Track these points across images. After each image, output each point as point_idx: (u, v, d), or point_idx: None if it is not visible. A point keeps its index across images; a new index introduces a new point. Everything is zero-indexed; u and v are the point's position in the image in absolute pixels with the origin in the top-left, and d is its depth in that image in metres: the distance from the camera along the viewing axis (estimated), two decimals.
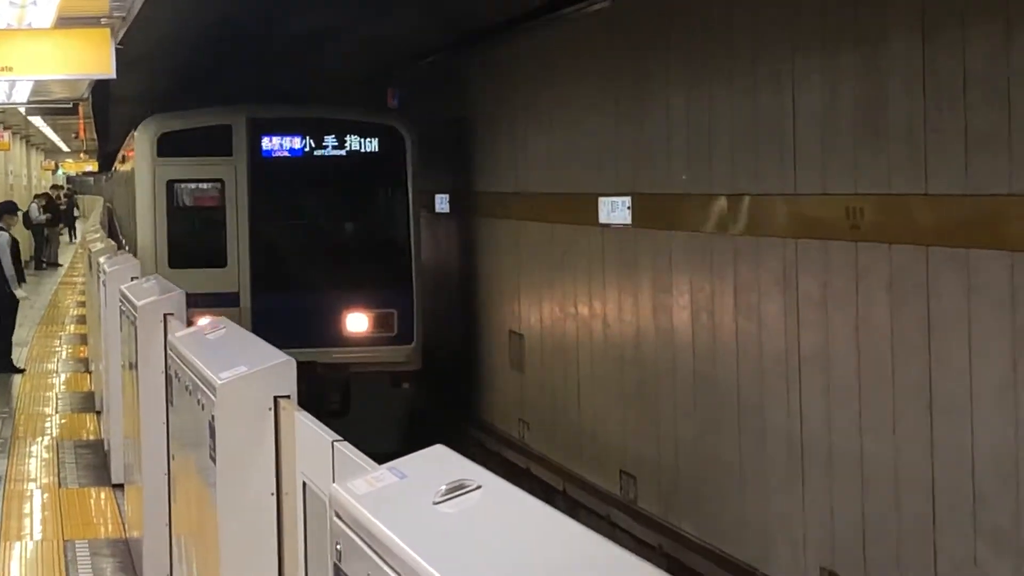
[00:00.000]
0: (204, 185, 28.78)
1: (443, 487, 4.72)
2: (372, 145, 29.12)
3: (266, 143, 28.18)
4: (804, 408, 16.45)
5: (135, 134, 28.72)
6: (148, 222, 27.37)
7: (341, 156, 29.27)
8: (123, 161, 44.28)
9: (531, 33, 23.86)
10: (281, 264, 28.39)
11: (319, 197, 31.45)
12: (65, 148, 63.45)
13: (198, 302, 24.58)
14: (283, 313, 26.85)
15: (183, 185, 29.02)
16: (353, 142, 29.16)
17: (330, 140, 29.00)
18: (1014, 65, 12.69)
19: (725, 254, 18.91)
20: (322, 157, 28.61)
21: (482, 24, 26.09)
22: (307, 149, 28.10)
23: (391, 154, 29.05)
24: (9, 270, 33.22)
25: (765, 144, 17.97)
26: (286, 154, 28.33)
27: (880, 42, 14.93)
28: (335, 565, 5.18)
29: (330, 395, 32.61)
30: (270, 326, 24.23)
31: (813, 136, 16.69)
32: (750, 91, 18.38)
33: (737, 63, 18.85)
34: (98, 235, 41.10)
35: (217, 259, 27.24)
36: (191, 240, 29.41)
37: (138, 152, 27.87)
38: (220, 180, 27.65)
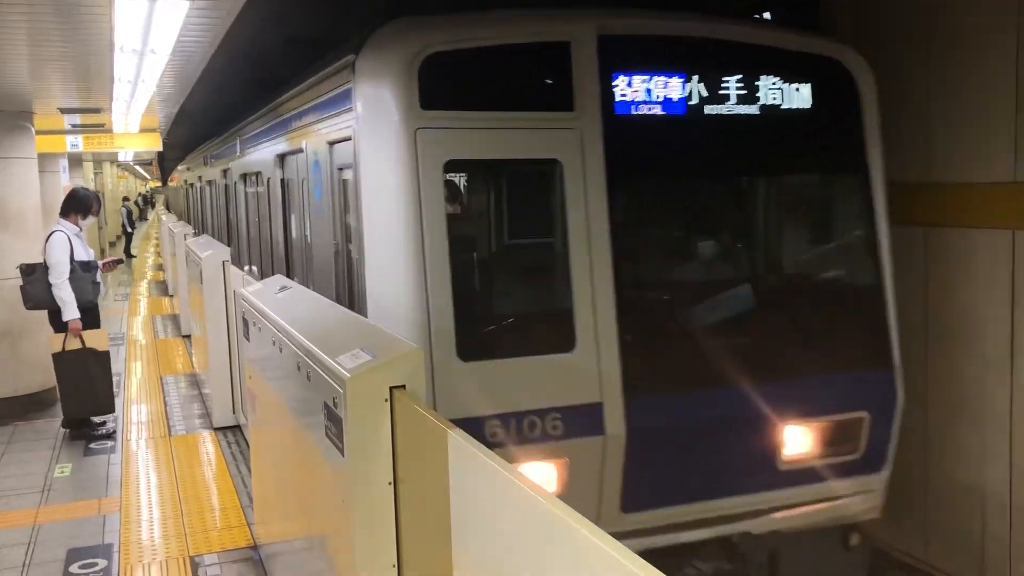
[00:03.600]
0: (521, 173, 3.68)
1: (278, 288, 4.67)
2: (801, 96, 3.71)
3: (620, 88, 3.59)
4: None
5: (357, 64, 3.56)
6: (398, 255, 3.41)
7: (752, 115, 3.76)
8: (212, 159, 12.00)
9: None
10: (674, 341, 3.58)
11: (723, 200, 4.04)
12: (148, 177, 58.24)
13: (520, 429, 3.62)
14: (679, 439, 3.58)
15: (475, 175, 3.80)
16: (769, 89, 3.72)
17: (733, 84, 3.73)
18: None
19: None
20: (718, 117, 3.68)
21: None
22: (693, 101, 3.66)
23: (838, 114, 3.87)
24: (127, 220, 27.86)
25: None
26: (657, 110, 3.64)
27: None
28: (243, 318, 5.06)
29: None
30: (658, 464, 3.83)
31: None
32: None
33: None
34: (161, 209, 38.48)
35: (555, 336, 3.47)
36: (498, 296, 3.78)
37: (363, 103, 3.64)
38: (552, 162, 3.57)
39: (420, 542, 2.66)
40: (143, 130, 12.93)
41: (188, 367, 10.36)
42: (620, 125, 3.85)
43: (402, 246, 3.65)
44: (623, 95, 3.92)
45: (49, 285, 7.19)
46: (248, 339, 4.80)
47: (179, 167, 24.80)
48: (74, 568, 5.01)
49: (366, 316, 3.94)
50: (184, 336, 12.30)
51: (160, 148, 14.92)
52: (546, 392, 3.70)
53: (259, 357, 4.45)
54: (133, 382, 9.66)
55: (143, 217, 52.69)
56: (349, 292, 4.47)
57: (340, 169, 4.49)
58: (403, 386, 2.74)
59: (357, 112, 3.98)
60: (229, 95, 12.03)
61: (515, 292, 4.14)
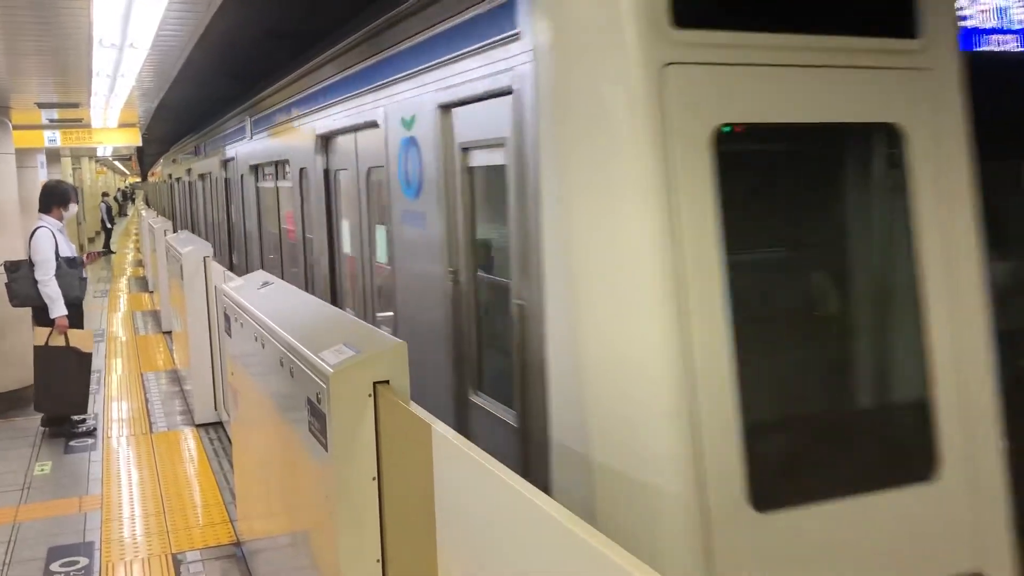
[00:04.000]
0: (828, 150, 1.59)
1: (260, 283, 4.65)
2: None
3: (961, 5, 1.58)
4: None
5: None
6: (628, 305, 1.47)
7: None
8: (207, 149, 10.09)
9: None
10: None
11: None
12: (127, 172, 57.47)
13: None
14: None
15: (757, 152, 1.53)
16: None
17: None
18: None
19: None
20: None
21: None
22: None
23: None
24: (106, 216, 27.29)
25: None
26: (1012, 43, 1.71)
27: None
28: (224, 314, 5.05)
29: None
30: None
31: None
32: None
33: None
34: (141, 205, 38.01)
35: (902, 452, 1.66)
36: (810, 379, 1.72)
37: (552, 23, 1.71)
38: (885, 129, 1.62)
39: (404, 537, 2.66)
40: (122, 125, 12.85)
41: (169, 363, 10.29)
42: (966, 66, 2.24)
43: (637, 287, 1.99)
44: (961, 18, 2.29)
45: (35, 282, 7.13)
46: (230, 335, 4.78)
47: (162, 160, 23.18)
48: (55, 566, 4.98)
49: (542, 414, 2.28)
50: (165, 332, 12.21)
51: (140, 143, 14.85)
52: (894, 557, 2.12)
53: (241, 353, 4.43)
54: (113, 379, 9.59)
55: (123, 213, 52.27)
56: (478, 356, 2.88)
57: (466, 150, 2.96)
58: (387, 381, 2.74)
59: (534, 41, 2.31)
60: (210, 89, 11.95)
61: (832, 368, 2.33)
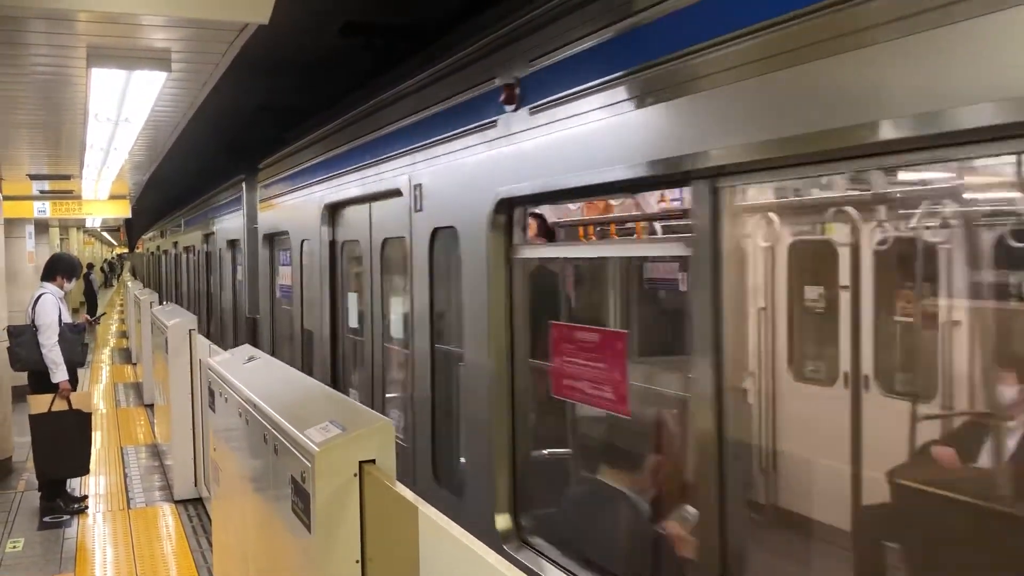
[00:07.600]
0: None
1: (246, 358, 4.61)
2: None
3: None
4: None
5: None
6: None
7: None
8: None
9: None
10: None
11: None
12: (115, 243, 57.34)
13: None
14: None
15: None
16: None
17: None
18: None
19: None
20: None
21: None
22: None
23: None
24: (91, 288, 26.97)
25: None
26: None
27: None
28: (209, 388, 4.99)
29: None
30: None
31: None
32: None
33: None
34: (128, 275, 37.75)
35: None
36: None
37: None
38: None
39: None
40: (112, 197, 12.90)
41: (149, 437, 10.13)
42: None
43: None
44: None
45: (38, 346, 7.17)
46: (214, 410, 4.72)
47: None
48: None
49: None
50: (147, 405, 12.07)
51: (129, 215, 14.90)
52: None
53: (225, 428, 4.36)
54: (92, 452, 9.42)
55: (108, 284, 52.19)
56: None
57: None
58: (373, 460, 2.70)
59: None
60: (201, 162, 12.06)
61: None
